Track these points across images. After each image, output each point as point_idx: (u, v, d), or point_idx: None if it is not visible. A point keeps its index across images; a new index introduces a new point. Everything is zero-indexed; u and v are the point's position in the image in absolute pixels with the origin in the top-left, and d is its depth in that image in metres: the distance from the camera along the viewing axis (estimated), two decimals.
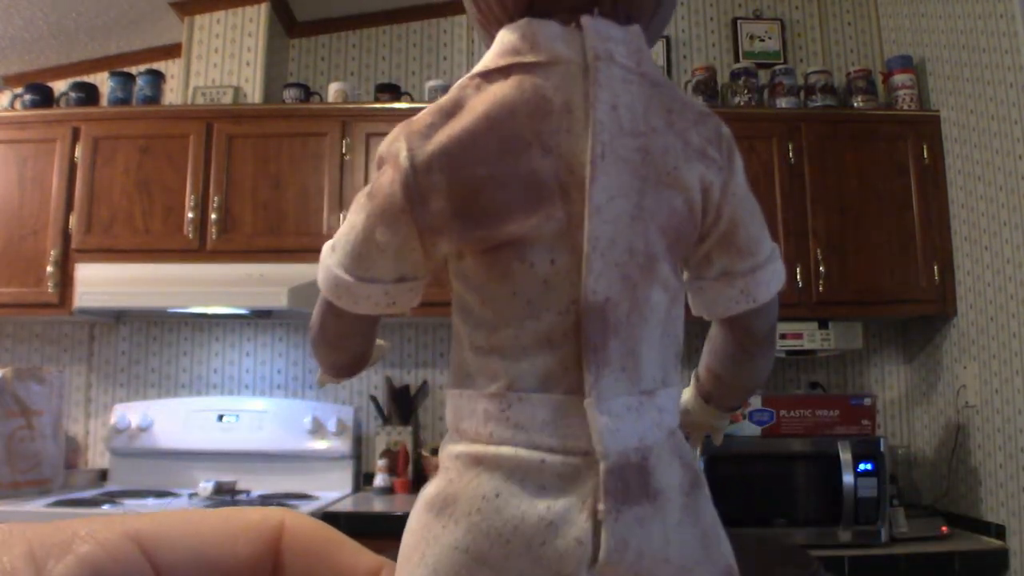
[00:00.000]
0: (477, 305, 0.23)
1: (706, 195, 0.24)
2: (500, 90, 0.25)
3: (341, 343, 0.23)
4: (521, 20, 0.27)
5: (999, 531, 1.98)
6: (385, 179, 0.27)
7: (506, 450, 0.18)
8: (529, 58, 0.25)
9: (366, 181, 2.31)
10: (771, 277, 0.25)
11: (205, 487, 2.17)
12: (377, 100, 2.50)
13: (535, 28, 0.26)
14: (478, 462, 0.18)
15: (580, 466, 0.17)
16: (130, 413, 2.44)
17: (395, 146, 0.27)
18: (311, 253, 2.31)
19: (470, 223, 0.23)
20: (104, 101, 2.52)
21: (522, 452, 0.17)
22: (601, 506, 0.17)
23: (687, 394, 0.37)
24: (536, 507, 0.16)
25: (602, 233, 0.21)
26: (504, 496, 0.17)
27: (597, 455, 0.18)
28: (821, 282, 2.26)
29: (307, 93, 2.53)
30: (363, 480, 2.48)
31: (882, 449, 1.96)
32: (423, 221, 0.24)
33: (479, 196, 0.23)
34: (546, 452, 0.18)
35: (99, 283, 2.24)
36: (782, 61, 2.71)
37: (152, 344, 2.62)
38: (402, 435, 2.44)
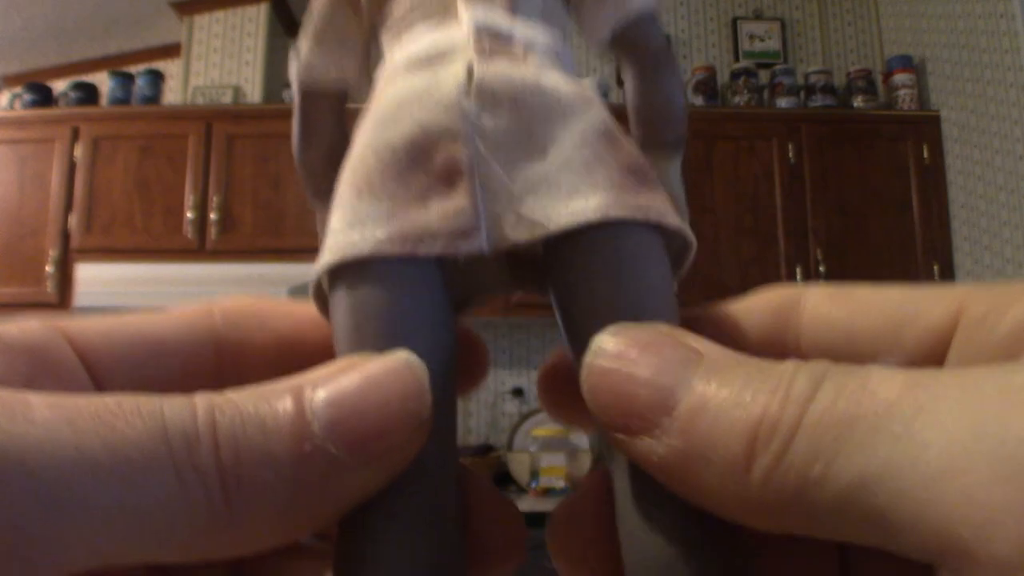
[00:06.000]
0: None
1: None
2: None
3: (314, 129, 0.23)
4: None
5: None
6: None
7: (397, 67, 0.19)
8: None
9: None
10: None
11: None
12: None
13: None
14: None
15: (455, 43, 0.18)
16: None
17: None
18: (311, 253, 2.32)
19: None
20: (104, 101, 2.52)
21: (405, 57, 0.19)
22: (473, 55, 0.18)
23: None
24: (421, 76, 0.18)
25: None
26: (395, 83, 0.18)
27: (464, 25, 0.18)
28: (821, 282, 2.26)
29: None
30: None
31: None
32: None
33: None
34: (423, 47, 0.19)
35: (99, 283, 2.24)
36: (782, 61, 2.71)
37: None
38: None
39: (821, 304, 0.16)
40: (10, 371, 0.14)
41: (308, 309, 0.17)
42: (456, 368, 0.16)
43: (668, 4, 2.81)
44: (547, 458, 2.15)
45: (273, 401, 0.13)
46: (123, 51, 2.87)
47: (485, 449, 2.31)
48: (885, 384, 0.12)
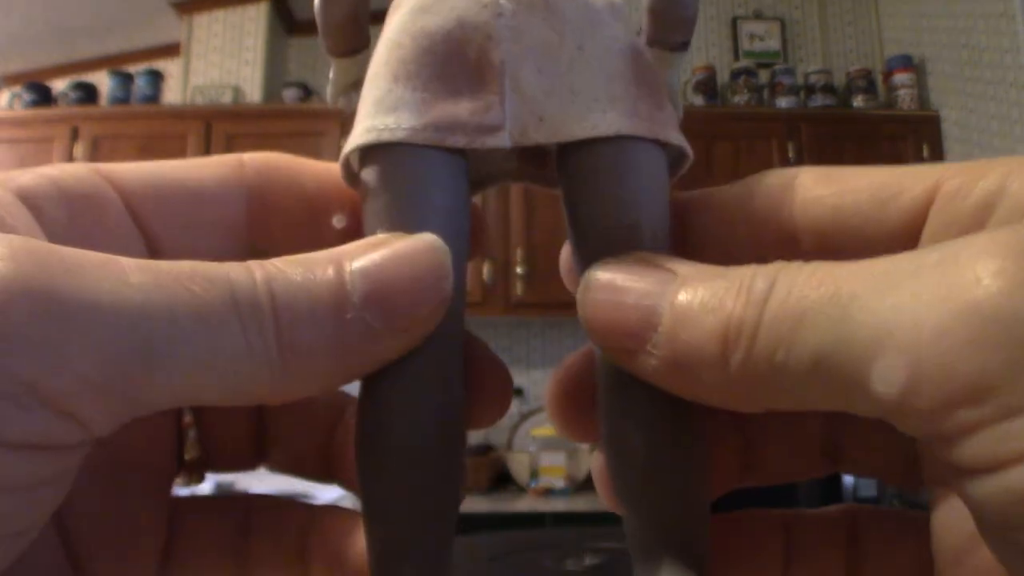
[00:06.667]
0: None
1: None
2: None
3: None
4: None
5: None
6: None
7: None
8: None
9: None
10: None
11: (204, 487, 2.16)
12: None
13: None
14: None
15: None
16: None
17: None
18: None
19: None
20: (103, 100, 2.52)
21: None
22: None
23: None
24: None
25: None
26: None
27: None
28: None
29: (307, 92, 2.53)
30: None
31: None
32: None
33: None
34: None
35: None
36: (782, 61, 2.70)
37: None
38: None
39: (813, 185, 0.18)
40: (69, 217, 0.16)
41: (334, 169, 0.19)
42: (469, 247, 0.18)
43: None
44: (547, 458, 2.15)
45: (318, 273, 0.15)
46: (123, 51, 2.87)
47: (485, 449, 2.31)
48: (827, 277, 0.14)
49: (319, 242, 0.17)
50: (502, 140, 0.17)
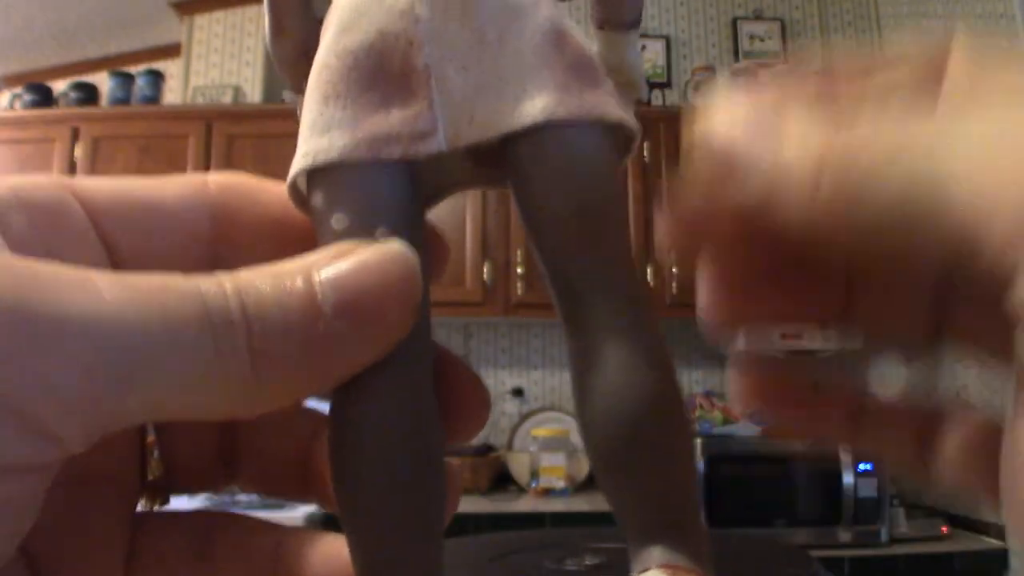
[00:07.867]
0: None
1: None
2: None
3: (283, 23, 0.24)
4: None
5: (999, 531, 1.98)
6: None
7: None
8: None
9: None
10: None
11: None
12: None
13: None
14: None
15: None
16: None
17: None
18: None
19: None
20: (104, 101, 2.52)
21: None
22: None
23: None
24: None
25: None
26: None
27: None
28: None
29: None
30: None
31: None
32: None
33: None
34: None
35: None
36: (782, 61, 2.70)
37: None
38: None
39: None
40: (30, 227, 0.16)
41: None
42: (426, 257, 0.18)
43: (668, 4, 2.81)
44: (547, 458, 2.16)
45: (287, 284, 0.15)
46: (123, 51, 2.87)
47: (485, 449, 2.31)
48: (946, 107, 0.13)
49: (282, 256, 0.17)
50: (437, 145, 0.18)
